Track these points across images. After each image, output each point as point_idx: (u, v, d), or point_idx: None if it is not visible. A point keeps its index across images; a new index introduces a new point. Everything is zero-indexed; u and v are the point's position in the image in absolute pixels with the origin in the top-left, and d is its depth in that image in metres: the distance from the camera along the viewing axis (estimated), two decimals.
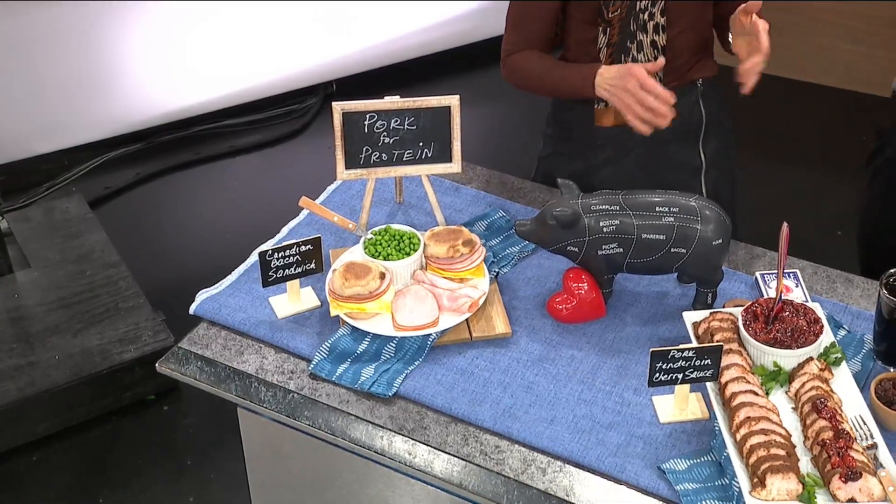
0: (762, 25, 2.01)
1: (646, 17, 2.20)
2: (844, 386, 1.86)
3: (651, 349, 1.80)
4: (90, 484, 3.12)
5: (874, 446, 1.74)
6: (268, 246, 2.15)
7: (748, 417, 1.77)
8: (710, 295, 2.05)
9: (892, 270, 1.90)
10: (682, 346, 1.80)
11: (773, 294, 2.03)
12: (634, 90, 2.04)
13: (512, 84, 2.33)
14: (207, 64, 4.45)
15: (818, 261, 2.18)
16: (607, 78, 2.11)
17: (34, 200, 4.06)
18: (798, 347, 1.87)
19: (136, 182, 4.34)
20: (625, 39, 2.22)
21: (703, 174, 2.39)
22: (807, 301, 2.05)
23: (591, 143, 2.37)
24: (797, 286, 2.08)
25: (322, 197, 2.37)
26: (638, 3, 2.17)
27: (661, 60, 2.10)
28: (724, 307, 2.05)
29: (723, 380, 1.85)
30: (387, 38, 4.72)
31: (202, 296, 2.09)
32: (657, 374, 1.81)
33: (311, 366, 1.95)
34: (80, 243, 3.73)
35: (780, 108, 4.48)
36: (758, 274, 2.12)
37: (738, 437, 1.76)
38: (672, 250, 1.97)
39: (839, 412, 1.78)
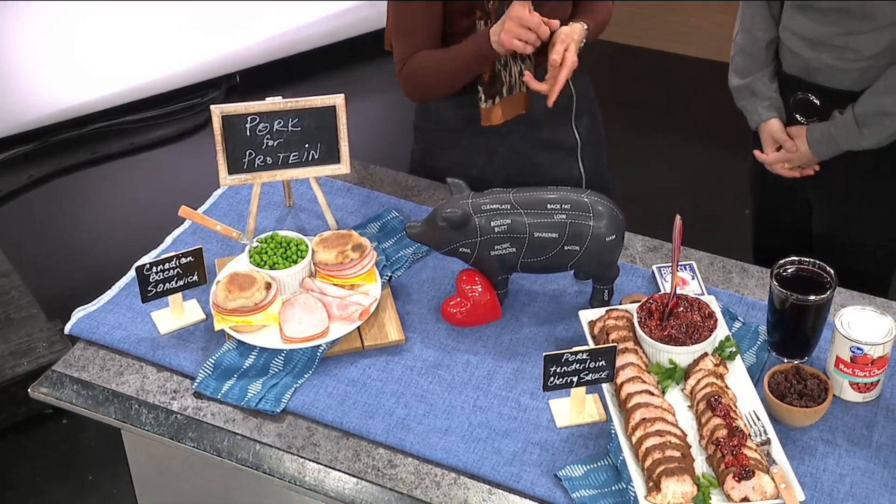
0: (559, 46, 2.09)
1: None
2: (739, 381, 1.84)
3: (544, 353, 1.75)
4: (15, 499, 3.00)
5: (767, 442, 1.72)
6: (148, 258, 2.05)
7: (644, 419, 1.74)
8: (606, 291, 2.01)
9: (781, 261, 1.88)
10: (575, 349, 1.76)
11: (669, 288, 2.00)
12: (520, 14, 2.02)
13: (412, 96, 2.27)
14: (103, 59, 4.29)
15: (728, 242, 2.16)
16: (496, 26, 2.08)
17: None
18: (692, 343, 1.85)
19: (29, 185, 4.16)
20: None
21: (580, 151, 2.39)
22: (703, 294, 2.03)
23: (464, 132, 2.33)
24: (693, 278, 2.06)
25: (209, 202, 2.28)
26: None
27: (556, 23, 2.09)
28: (621, 303, 2.01)
29: (618, 380, 1.82)
30: (291, 26, 4.61)
31: (78, 314, 1.99)
32: (552, 379, 1.77)
33: (195, 384, 1.87)
34: None
35: (671, 84, 4.50)
36: (654, 267, 2.10)
37: (634, 439, 1.73)
38: (565, 248, 1.93)
39: (733, 409, 1.76)
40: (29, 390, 1.91)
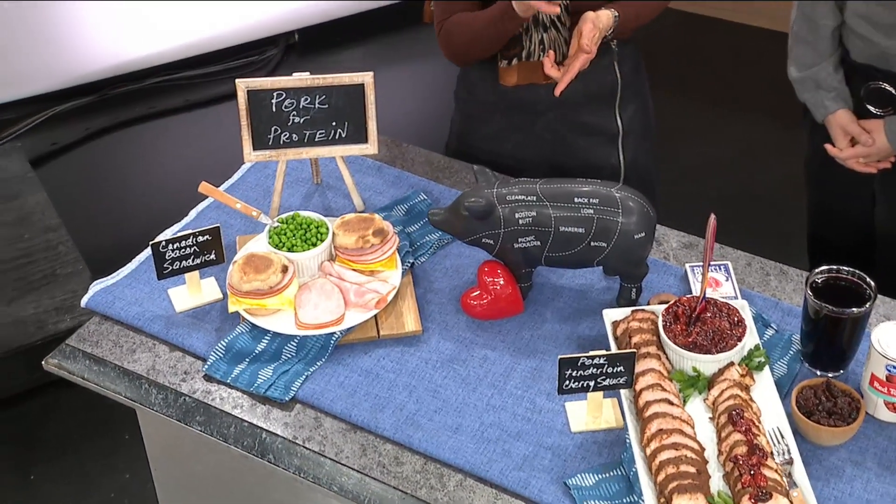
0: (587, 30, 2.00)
1: None
2: (765, 393, 1.75)
3: (559, 356, 1.68)
4: (22, 459, 3.04)
5: (790, 462, 1.64)
6: (167, 234, 2.03)
7: (660, 430, 1.67)
8: (634, 290, 1.93)
9: (818, 269, 1.78)
10: (592, 353, 1.69)
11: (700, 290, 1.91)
12: None
13: (452, 58, 2.22)
14: (163, 13, 4.27)
15: (780, 226, 2.06)
16: None
17: None
18: (718, 352, 1.76)
19: (85, 138, 4.18)
20: None
21: (621, 140, 2.30)
22: (736, 296, 1.93)
23: (500, 105, 2.27)
24: (727, 280, 1.96)
25: (237, 175, 2.24)
26: None
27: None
28: (649, 303, 1.93)
29: (638, 387, 1.74)
30: None
31: (96, 287, 1.98)
32: (567, 382, 1.71)
33: (206, 366, 1.84)
34: (18, 205, 3.59)
35: (734, 55, 4.32)
36: (688, 266, 2.00)
37: (649, 451, 1.66)
38: (592, 244, 1.85)
39: (756, 424, 1.67)
40: (43, 362, 1.90)
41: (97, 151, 4.15)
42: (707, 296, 1.83)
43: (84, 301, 1.95)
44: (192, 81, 4.44)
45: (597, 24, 2.02)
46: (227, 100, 4.40)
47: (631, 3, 2.11)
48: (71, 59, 4.23)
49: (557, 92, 2.02)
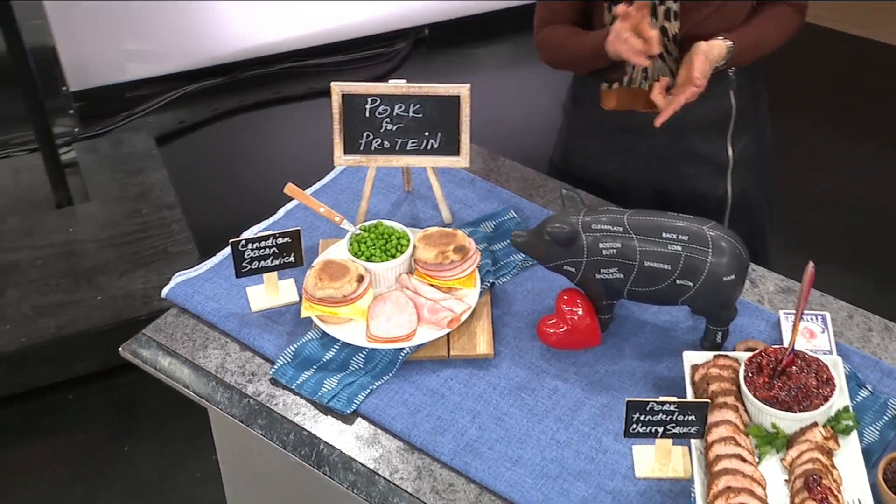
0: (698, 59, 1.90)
1: (656, 0, 1.97)
2: (850, 460, 1.64)
3: (627, 398, 1.61)
4: (119, 430, 3.12)
5: None
6: (252, 232, 2.03)
7: (728, 487, 1.57)
8: (720, 333, 1.83)
9: None
10: (662, 399, 1.61)
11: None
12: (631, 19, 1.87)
13: (545, 62, 2.16)
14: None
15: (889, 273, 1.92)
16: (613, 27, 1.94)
17: (106, 131, 4.04)
18: (801, 410, 1.65)
19: (212, 118, 4.27)
20: None
21: (730, 172, 2.19)
22: (831, 351, 1.81)
23: (605, 124, 2.20)
24: (823, 332, 1.84)
25: (329, 177, 2.23)
26: None
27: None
28: (734, 349, 1.83)
29: (709, 438, 1.65)
30: None
31: (178, 278, 1.99)
32: (634, 426, 1.63)
33: (273, 370, 1.83)
34: (140, 180, 3.70)
35: (872, 76, 4.08)
36: (782, 313, 1.89)
37: None
38: (678, 282, 1.76)
39: (834, 493, 1.56)
40: (120, 349, 1.93)
41: (221, 132, 4.23)
42: (797, 348, 1.72)
43: (165, 292, 1.97)
44: (319, 70, 4.48)
45: (709, 55, 1.92)
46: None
47: (752, 29, 2.00)
48: (205, 40, 4.32)
49: (658, 123, 1.93)
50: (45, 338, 3.16)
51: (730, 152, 2.18)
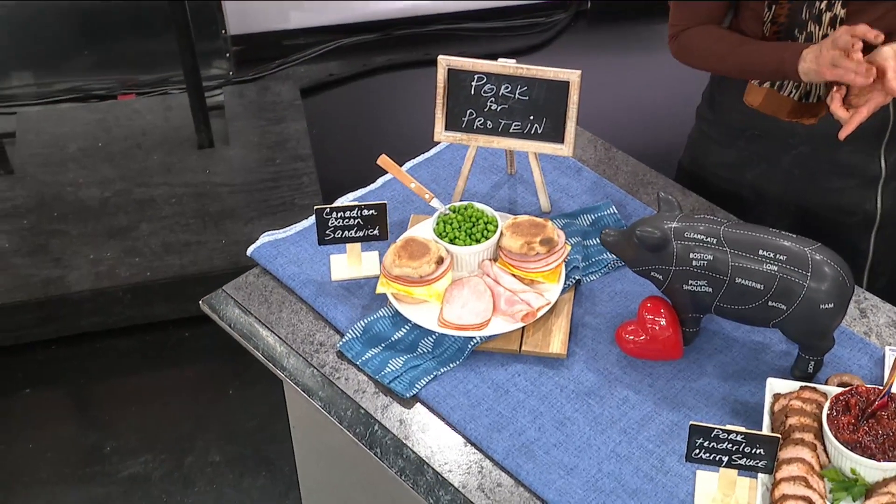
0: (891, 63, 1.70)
1: (822, 6, 1.81)
2: None
3: (691, 422, 1.51)
4: (225, 374, 3.19)
5: None
6: (348, 199, 2.01)
7: None
8: (812, 363, 1.70)
9: None
10: (729, 427, 1.50)
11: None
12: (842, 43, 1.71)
13: (681, 61, 2.03)
14: None
15: None
16: (811, 50, 1.77)
17: (258, 77, 4.11)
18: (885, 460, 1.51)
19: (361, 73, 4.28)
20: (794, 26, 1.85)
21: (882, 184, 2.02)
22: None
23: (747, 132, 2.05)
24: None
25: (432, 151, 2.18)
26: None
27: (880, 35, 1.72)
28: (826, 382, 1.69)
29: (778, 475, 1.54)
30: None
31: (265, 238, 1.99)
32: (697, 451, 1.53)
33: (341, 343, 1.81)
34: (280, 129, 3.74)
35: None
36: (888, 349, 1.74)
37: None
38: (770, 304, 1.64)
39: None
40: (200, 302, 1.95)
41: (367, 89, 4.24)
42: (894, 391, 1.57)
43: (250, 250, 1.97)
44: (472, 34, 4.43)
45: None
46: (502, 58, 4.34)
47: None
48: None
49: (842, 136, 1.76)
50: (168, 275, 3.25)
51: (882, 163, 2.01)
